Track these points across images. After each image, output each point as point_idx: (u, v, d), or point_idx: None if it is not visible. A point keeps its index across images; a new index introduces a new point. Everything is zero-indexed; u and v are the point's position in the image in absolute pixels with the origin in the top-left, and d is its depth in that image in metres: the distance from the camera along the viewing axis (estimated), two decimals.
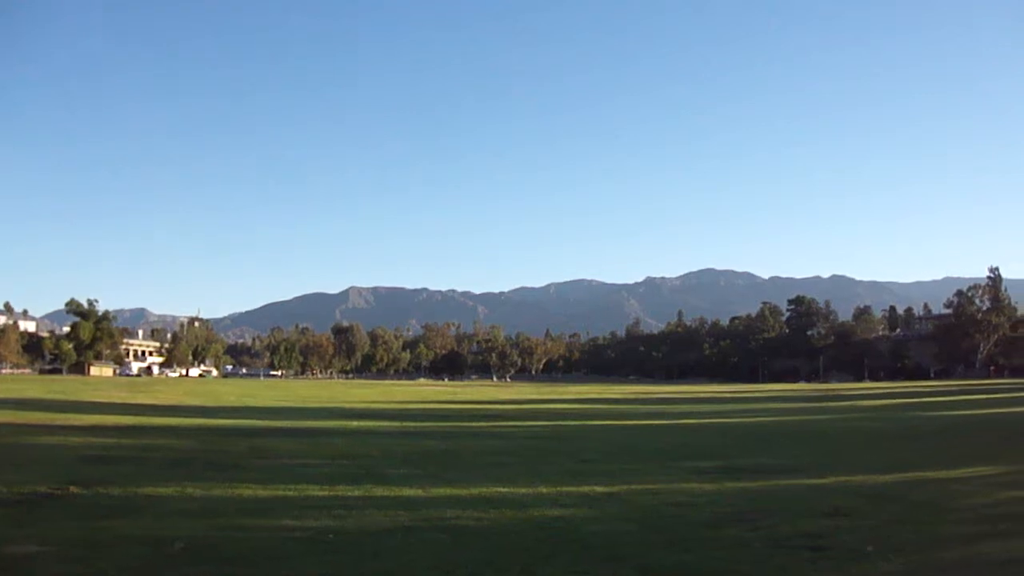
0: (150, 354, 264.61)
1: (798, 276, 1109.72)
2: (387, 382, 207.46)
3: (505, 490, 19.60)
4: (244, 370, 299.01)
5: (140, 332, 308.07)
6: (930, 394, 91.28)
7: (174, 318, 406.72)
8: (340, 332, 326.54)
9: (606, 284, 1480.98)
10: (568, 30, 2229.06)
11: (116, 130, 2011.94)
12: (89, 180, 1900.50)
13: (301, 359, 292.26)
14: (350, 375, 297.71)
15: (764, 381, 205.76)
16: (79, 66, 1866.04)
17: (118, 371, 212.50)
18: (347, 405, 70.20)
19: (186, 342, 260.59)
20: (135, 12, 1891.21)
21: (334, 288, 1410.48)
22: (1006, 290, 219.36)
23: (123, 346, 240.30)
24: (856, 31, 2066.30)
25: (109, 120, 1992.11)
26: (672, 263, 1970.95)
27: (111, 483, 19.44)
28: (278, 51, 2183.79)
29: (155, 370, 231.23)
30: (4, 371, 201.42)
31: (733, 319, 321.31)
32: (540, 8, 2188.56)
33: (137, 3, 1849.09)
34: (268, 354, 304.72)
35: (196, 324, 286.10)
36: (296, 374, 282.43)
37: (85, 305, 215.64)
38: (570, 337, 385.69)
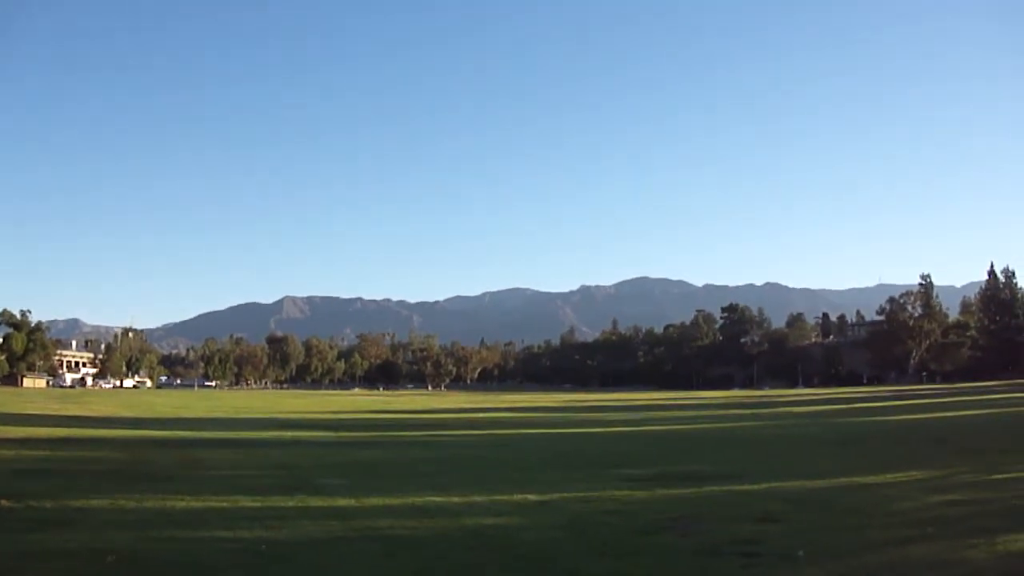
0: (84, 365, 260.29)
1: (732, 284, 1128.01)
2: (321, 392, 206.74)
3: (439, 499, 19.66)
4: (178, 381, 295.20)
5: (74, 343, 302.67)
6: (863, 400, 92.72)
7: (108, 329, 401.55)
8: (274, 342, 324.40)
9: (541, 293, 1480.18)
10: (510, 41, 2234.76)
11: (44, 137, 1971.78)
12: (21, 189, 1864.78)
13: (235, 369, 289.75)
14: (284, 385, 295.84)
15: (698, 388, 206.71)
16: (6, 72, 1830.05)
17: (51, 382, 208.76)
18: (281, 415, 69.88)
19: (120, 353, 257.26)
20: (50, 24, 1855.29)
21: (268, 298, 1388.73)
22: (937, 297, 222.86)
23: (56, 357, 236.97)
24: (782, 40, 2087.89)
25: (36, 127, 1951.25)
26: (607, 272, 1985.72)
27: (43, 496, 19.23)
28: (203, 59, 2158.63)
29: (89, 381, 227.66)
30: None
31: (667, 327, 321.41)
32: (490, 20, 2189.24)
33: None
34: (202, 365, 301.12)
35: (130, 335, 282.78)
36: (230, 384, 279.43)
37: (18, 316, 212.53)
38: (505, 346, 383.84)
